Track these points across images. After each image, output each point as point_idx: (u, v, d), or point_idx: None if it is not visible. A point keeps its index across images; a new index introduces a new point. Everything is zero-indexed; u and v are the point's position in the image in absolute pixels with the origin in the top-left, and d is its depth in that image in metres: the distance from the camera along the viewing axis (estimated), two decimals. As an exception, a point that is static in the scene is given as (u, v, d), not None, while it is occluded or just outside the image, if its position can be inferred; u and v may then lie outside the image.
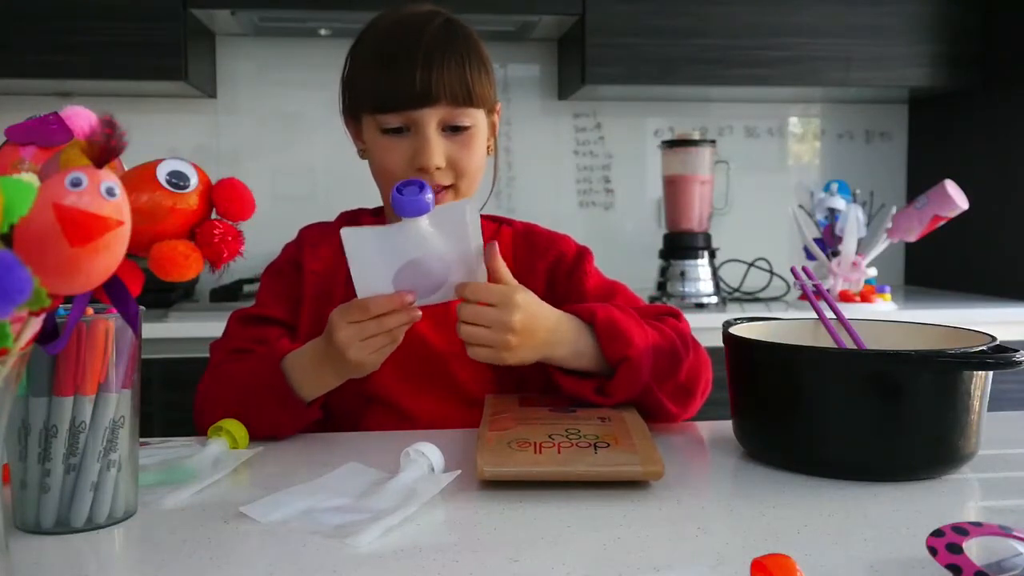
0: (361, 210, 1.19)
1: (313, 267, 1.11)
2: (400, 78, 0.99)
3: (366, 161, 1.13)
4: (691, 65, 2.17)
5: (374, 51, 1.03)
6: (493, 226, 1.13)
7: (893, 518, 0.67)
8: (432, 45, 0.99)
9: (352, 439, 0.93)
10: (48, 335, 0.51)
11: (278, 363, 0.93)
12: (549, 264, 1.09)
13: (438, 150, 0.99)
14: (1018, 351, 0.75)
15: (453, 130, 1.01)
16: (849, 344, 0.92)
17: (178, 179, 0.57)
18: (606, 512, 0.69)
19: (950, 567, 0.52)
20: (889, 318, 1.70)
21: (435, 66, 0.99)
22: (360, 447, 0.88)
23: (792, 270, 1.03)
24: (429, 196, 0.82)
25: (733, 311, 2.10)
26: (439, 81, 0.98)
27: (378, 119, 1.01)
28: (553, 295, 1.02)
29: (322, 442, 0.92)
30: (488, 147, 1.07)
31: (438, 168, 1.00)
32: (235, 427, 0.85)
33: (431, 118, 0.99)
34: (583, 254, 1.11)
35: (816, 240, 2.13)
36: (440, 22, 1.03)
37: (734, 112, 2.55)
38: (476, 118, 1.02)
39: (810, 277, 1.01)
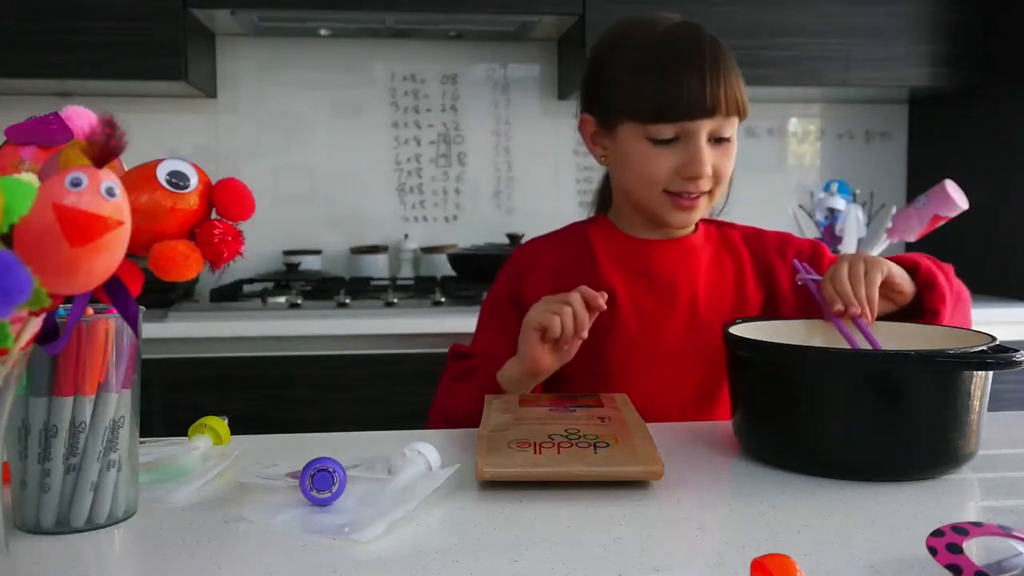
0: (580, 222, 1.22)
1: (532, 300, 1.08)
2: (683, 90, 1.02)
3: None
4: (691, 65, 2.17)
5: (648, 62, 1.04)
6: (715, 228, 1.18)
7: (893, 518, 0.67)
8: (705, 56, 1.03)
9: (346, 438, 0.93)
10: (48, 335, 0.51)
11: (495, 376, 1.02)
12: (787, 266, 1.15)
13: (708, 159, 1.04)
14: (1018, 351, 0.75)
15: (717, 141, 1.06)
16: (856, 335, 0.92)
17: (178, 179, 0.57)
18: (606, 512, 0.69)
19: (950, 567, 0.52)
20: (889, 318, 1.70)
21: (717, 78, 1.03)
22: (355, 447, 0.88)
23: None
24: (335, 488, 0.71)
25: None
26: (719, 93, 1.02)
27: (648, 128, 1.04)
28: (796, 286, 1.09)
29: (315, 441, 0.92)
30: None
31: (707, 176, 1.05)
32: (218, 424, 0.86)
33: (704, 129, 1.03)
34: (816, 244, 1.19)
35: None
36: (709, 35, 1.07)
37: (734, 112, 2.55)
38: (735, 128, 1.07)
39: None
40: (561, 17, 2.18)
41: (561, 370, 1.04)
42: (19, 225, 0.43)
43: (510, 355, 1.03)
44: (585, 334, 0.95)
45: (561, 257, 1.15)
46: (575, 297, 0.95)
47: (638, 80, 1.04)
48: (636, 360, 1.08)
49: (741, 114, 1.07)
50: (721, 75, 1.03)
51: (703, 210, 1.10)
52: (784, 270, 1.14)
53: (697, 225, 1.16)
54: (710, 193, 1.08)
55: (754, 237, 1.18)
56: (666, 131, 1.03)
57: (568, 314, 0.94)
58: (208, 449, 0.84)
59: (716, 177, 1.06)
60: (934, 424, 0.76)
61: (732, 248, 1.16)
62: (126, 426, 0.66)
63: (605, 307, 0.95)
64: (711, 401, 1.09)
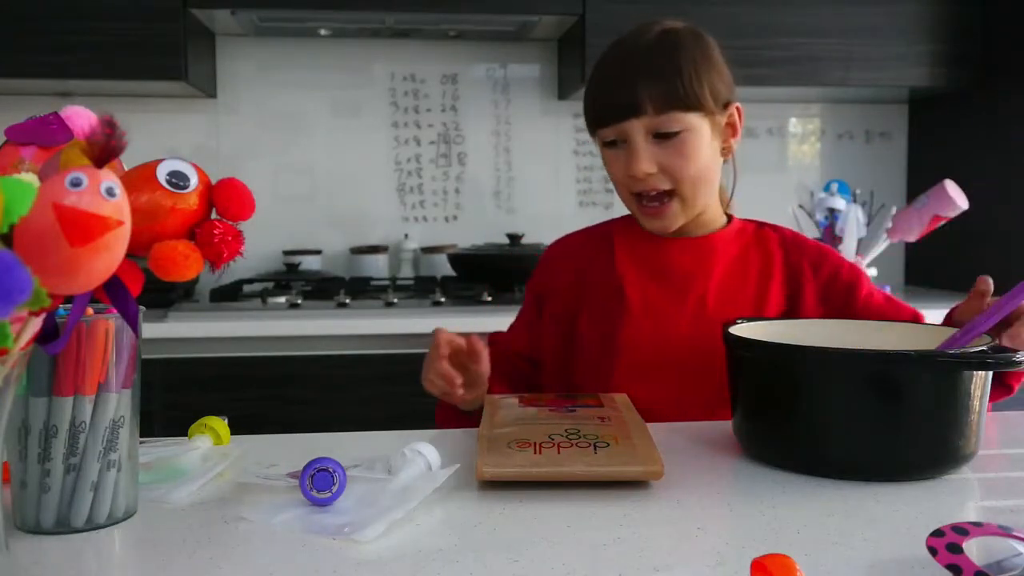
0: (614, 219, 1.23)
1: (555, 294, 1.18)
2: (605, 94, 1.06)
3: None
4: (691, 65, 2.17)
5: (596, 70, 1.10)
6: (752, 227, 1.18)
7: (893, 518, 0.67)
8: (635, 57, 1.05)
9: (346, 438, 0.93)
10: (48, 335, 0.51)
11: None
12: (824, 279, 1.13)
13: (645, 158, 1.04)
14: (1018, 351, 0.75)
15: (664, 137, 1.04)
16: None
17: (178, 179, 0.57)
18: (606, 512, 0.69)
19: (950, 567, 0.52)
20: (889, 318, 1.70)
21: (635, 77, 1.03)
22: (355, 447, 0.88)
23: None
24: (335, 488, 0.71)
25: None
26: (643, 91, 1.02)
27: (598, 134, 1.09)
28: (827, 307, 1.11)
29: (315, 441, 0.92)
30: (725, 149, 1.11)
31: (649, 174, 1.05)
32: (218, 424, 0.86)
33: (637, 128, 1.04)
34: (855, 270, 1.15)
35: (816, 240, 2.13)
36: (655, 33, 1.07)
37: (734, 112, 2.55)
38: (690, 122, 1.04)
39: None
40: (561, 17, 2.17)
41: (572, 361, 1.12)
42: (19, 225, 0.43)
43: (524, 346, 1.18)
44: (459, 381, 0.99)
45: (583, 254, 1.19)
46: (433, 363, 0.99)
47: (588, 89, 1.10)
48: (644, 353, 1.09)
49: (690, 107, 1.04)
50: (653, 73, 1.03)
51: (678, 215, 1.09)
52: (812, 283, 1.12)
53: (731, 219, 1.17)
54: (677, 195, 1.06)
55: (793, 242, 1.16)
56: (607, 134, 1.07)
57: (439, 377, 0.99)
58: (208, 449, 0.84)
59: (670, 175, 1.05)
60: (934, 424, 0.76)
61: (764, 248, 1.15)
62: (126, 426, 0.66)
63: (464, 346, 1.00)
64: (721, 398, 1.07)
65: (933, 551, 0.53)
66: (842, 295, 1.12)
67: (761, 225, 1.19)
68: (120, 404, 0.65)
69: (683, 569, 0.58)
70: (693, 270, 1.12)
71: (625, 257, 1.15)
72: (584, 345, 1.12)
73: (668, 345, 1.09)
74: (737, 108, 1.11)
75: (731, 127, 1.11)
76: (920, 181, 2.54)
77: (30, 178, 0.44)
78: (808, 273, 1.13)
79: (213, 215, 0.59)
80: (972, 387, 0.76)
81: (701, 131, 1.05)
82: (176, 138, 2.37)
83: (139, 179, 0.56)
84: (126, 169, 0.59)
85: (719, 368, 1.06)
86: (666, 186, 1.06)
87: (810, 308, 1.11)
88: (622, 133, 1.05)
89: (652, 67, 1.03)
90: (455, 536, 0.64)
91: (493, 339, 1.21)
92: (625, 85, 1.03)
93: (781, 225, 1.19)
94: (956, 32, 2.26)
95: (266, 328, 1.85)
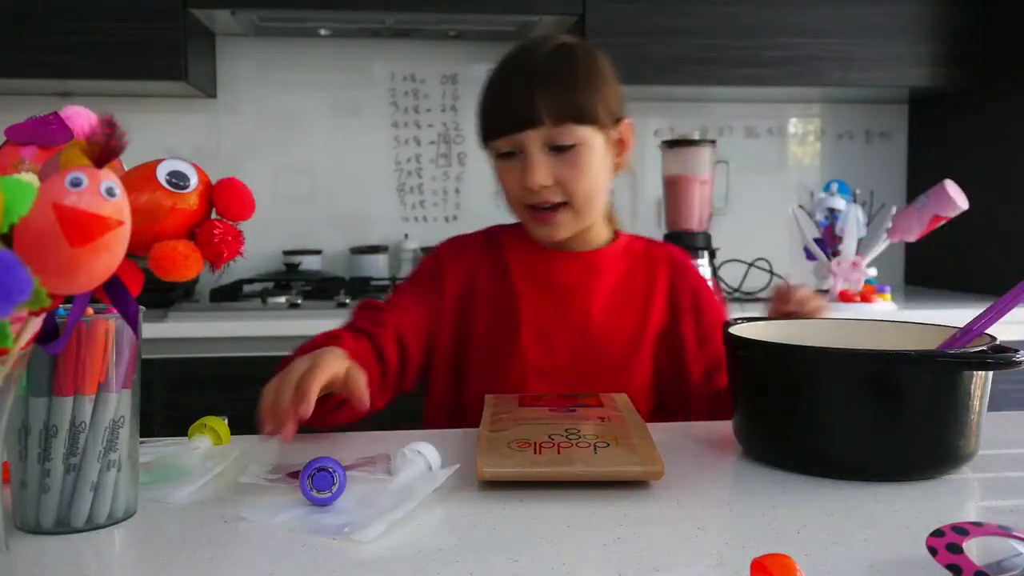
0: (500, 226, 1.23)
1: (453, 288, 1.14)
2: (502, 104, 1.06)
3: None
4: (691, 65, 2.17)
5: (489, 82, 1.10)
6: (641, 243, 1.18)
7: (893, 518, 0.67)
8: (532, 68, 1.05)
9: (346, 438, 0.93)
10: (48, 335, 0.51)
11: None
12: (699, 310, 1.15)
13: (542, 169, 1.04)
14: (1018, 351, 0.75)
15: (559, 150, 1.04)
16: None
17: (178, 179, 0.57)
18: (606, 512, 0.69)
19: (950, 567, 0.52)
20: (889, 318, 1.70)
21: (532, 88, 1.03)
22: (355, 447, 0.88)
23: None
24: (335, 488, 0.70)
25: (733, 311, 2.09)
26: (539, 103, 1.02)
27: (491, 145, 1.08)
28: (696, 337, 1.13)
29: (315, 441, 0.92)
30: (618, 164, 1.11)
31: (544, 186, 1.05)
32: (218, 424, 0.86)
33: (533, 139, 1.03)
34: (723, 315, 1.16)
35: (816, 240, 2.13)
36: (550, 46, 1.07)
37: (734, 112, 2.55)
38: (584, 136, 1.04)
39: None
40: (561, 17, 2.17)
41: (463, 363, 1.11)
42: (19, 225, 0.43)
43: (410, 317, 1.09)
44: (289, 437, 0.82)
45: (479, 259, 1.17)
46: (284, 408, 0.80)
47: (481, 101, 1.10)
48: (532, 363, 1.09)
49: (585, 119, 1.04)
50: (551, 84, 1.03)
51: (568, 226, 1.09)
52: (689, 312, 1.14)
53: (617, 236, 1.17)
54: (571, 207, 1.06)
55: (680, 265, 1.18)
56: (502, 145, 1.06)
57: (274, 415, 0.81)
58: (208, 449, 0.84)
59: (564, 188, 1.05)
60: (934, 424, 0.76)
61: (651, 265, 1.16)
62: (126, 426, 0.66)
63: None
64: None
65: (933, 551, 0.53)
66: (708, 331, 1.14)
67: (650, 243, 1.19)
68: (120, 404, 0.65)
69: (683, 569, 0.58)
70: (578, 285, 1.12)
71: (517, 266, 1.14)
72: (477, 349, 1.12)
73: (554, 355, 1.09)
74: (628, 124, 1.12)
75: (622, 142, 1.11)
76: (920, 181, 2.54)
77: (30, 178, 0.44)
78: (687, 301, 1.14)
79: (213, 215, 0.59)
80: (972, 387, 0.76)
81: (595, 145, 1.06)
82: (176, 138, 2.37)
83: (139, 179, 0.56)
84: (126, 169, 0.59)
85: (598, 382, 1.06)
86: (559, 199, 1.06)
87: (686, 334, 1.13)
88: (518, 144, 1.04)
89: (550, 79, 1.04)
90: (455, 536, 0.64)
91: (372, 305, 1.11)
92: (523, 96, 1.03)
93: (672, 245, 1.21)
94: (956, 32, 2.26)
95: (266, 328, 1.85)
